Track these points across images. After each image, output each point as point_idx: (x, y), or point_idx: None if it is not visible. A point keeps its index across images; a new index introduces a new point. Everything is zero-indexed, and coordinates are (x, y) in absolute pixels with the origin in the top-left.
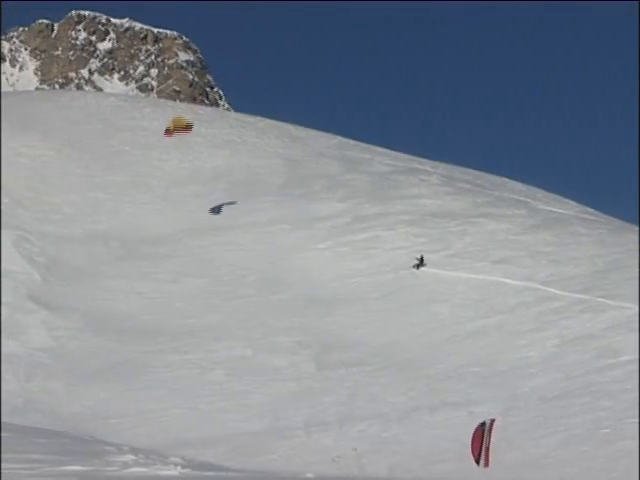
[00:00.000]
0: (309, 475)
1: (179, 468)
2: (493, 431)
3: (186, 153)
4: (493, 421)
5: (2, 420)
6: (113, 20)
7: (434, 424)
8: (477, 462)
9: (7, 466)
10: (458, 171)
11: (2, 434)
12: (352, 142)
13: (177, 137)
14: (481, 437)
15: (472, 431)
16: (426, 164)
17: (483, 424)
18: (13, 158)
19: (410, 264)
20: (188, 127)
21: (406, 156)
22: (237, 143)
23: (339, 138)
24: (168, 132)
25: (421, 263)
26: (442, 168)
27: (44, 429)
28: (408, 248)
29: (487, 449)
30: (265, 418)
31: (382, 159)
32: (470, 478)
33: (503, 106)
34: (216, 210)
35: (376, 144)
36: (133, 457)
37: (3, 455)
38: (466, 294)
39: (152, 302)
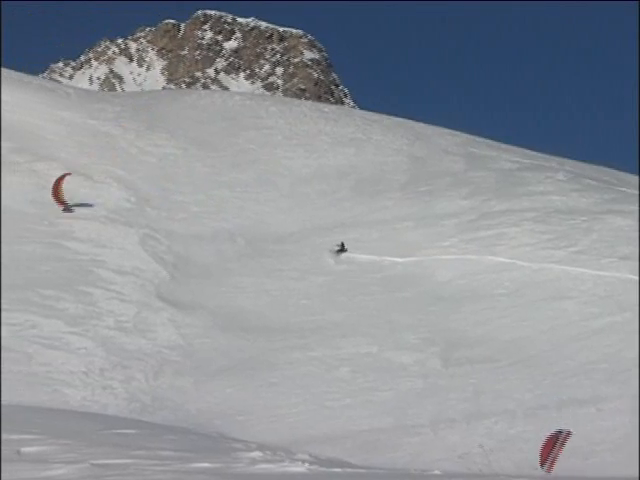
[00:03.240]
0: (436, 472)
1: (306, 464)
2: (566, 444)
3: (311, 151)
4: (569, 434)
5: (131, 417)
6: (239, 19)
7: (561, 421)
8: (542, 466)
9: (137, 462)
10: (584, 167)
11: (131, 431)
12: (477, 139)
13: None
14: (552, 445)
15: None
16: (552, 160)
17: (559, 432)
18: (141, 157)
19: (335, 251)
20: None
21: (532, 153)
22: (362, 141)
23: (464, 135)
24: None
25: (342, 249)
26: (568, 164)
27: (172, 426)
28: (534, 245)
29: (554, 459)
30: (391, 415)
31: (508, 156)
32: (599, 475)
33: (631, 102)
34: None
35: (502, 141)
36: (260, 454)
37: (134, 452)
38: (593, 291)
39: (278, 299)
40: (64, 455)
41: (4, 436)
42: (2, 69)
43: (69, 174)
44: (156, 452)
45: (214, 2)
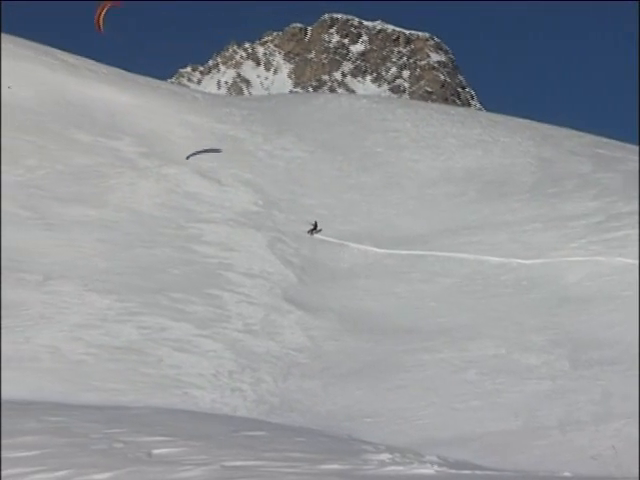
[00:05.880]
0: (566, 474)
1: (435, 467)
2: None
3: (438, 153)
4: None
5: (261, 419)
6: (365, 23)
7: None
8: None
9: (267, 464)
10: None
11: (261, 433)
12: (604, 140)
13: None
14: None
15: None
16: None
17: None
18: (268, 160)
19: (307, 231)
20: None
21: None
22: (489, 142)
23: (590, 136)
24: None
25: (315, 229)
26: None
27: (301, 428)
28: None
29: None
30: (519, 417)
31: (634, 157)
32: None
33: None
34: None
35: (628, 142)
36: (389, 455)
37: (264, 454)
38: None
39: (405, 302)
40: (195, 457)
41: (135, 438)
42: (130, 73)
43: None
44: (286, 454)
45: (341, 4)
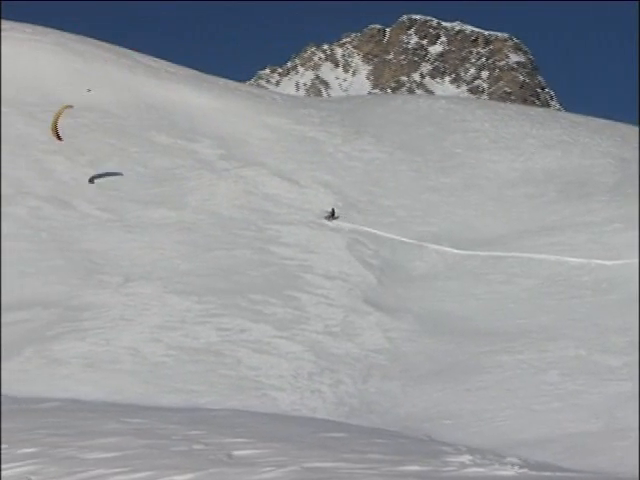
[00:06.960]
0: None
1: (516, 468)
2: None
3: (517, 154)
4: None
5: (340, 421)
6: (444, 24)
7: None
8: None
9: (347, 465)
10: None
11: (341, 434)
12: None
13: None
14: None
15: None
16: None
17: None
18: (347, 162)
19: (325, 217)
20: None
21: None
22: (569, 143)
23: None
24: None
25: (332, 215)
26: None
27: (381, 429)
28: None
29: None
30: (600, 418)
31: None
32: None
33: None
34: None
35: None
36: (470, 457)
37: (344, 455)
38: None
39: (485, 303)
40: (275, 458)
41: (215, 439)
42: (208, 75)
43: (70, 107)
44: (366, 455)
45: (419, 5)
